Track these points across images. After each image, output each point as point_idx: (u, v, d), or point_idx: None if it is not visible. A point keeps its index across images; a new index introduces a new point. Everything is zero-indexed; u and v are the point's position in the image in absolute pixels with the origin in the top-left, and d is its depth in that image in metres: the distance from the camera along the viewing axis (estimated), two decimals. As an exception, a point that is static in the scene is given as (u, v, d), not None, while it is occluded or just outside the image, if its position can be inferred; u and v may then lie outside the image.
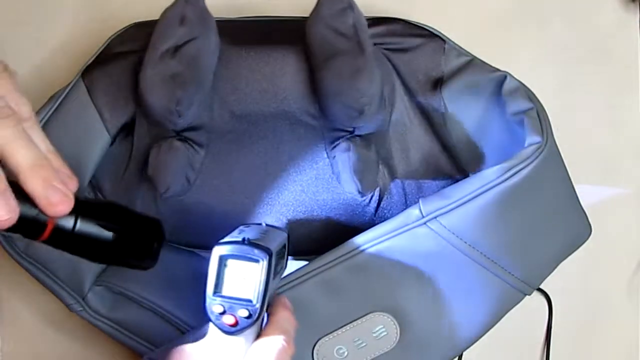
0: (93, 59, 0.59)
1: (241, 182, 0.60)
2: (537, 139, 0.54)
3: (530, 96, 0.57)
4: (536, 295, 0.67)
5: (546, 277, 0.58)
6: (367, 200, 0.60)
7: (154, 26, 0.58)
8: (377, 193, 0.60)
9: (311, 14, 0.56)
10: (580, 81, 0.67)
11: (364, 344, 0.57)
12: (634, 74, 0.67)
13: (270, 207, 0.60)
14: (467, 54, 0.60)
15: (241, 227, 0.52)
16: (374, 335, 0.57)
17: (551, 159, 0.55)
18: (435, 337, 0.57)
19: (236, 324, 0.46)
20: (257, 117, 0.59)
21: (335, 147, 0.59)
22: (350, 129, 0.58)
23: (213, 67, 0.57)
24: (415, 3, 0.66)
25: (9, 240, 0.57)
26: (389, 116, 0.60)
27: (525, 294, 0.57)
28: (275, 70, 0.58)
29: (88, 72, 0.58)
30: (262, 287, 0.47)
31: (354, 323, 0.56)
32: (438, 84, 0.60)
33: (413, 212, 0.55)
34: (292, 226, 0.60)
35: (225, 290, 0.47)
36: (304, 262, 0.57)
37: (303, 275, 0.56)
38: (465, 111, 0.60)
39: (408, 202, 0.61)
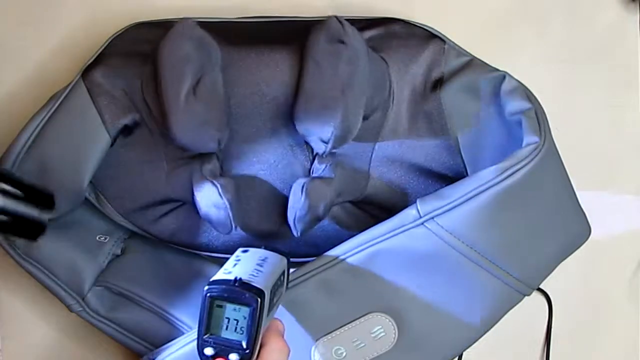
0: (93, 59, 0.59)
1: (241, 186, 0.60)
2: (535, 139, 0.54)
3: (529, 96, 0.57)
4: (536, 295, 0.67)
5: (545, 277, 0.58)
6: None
7: (158, 27, 0.59)
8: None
9: (311, 38, 0.56)
10: (580, 81, 0.67)
11: (363, 345, 0.57)
12: (634, 74, 0.67)
13: (269, 210, 0.60)
14: (467, 54, 0.60)
15: (238, 254, 0.51)
16: (373, 335, 0.57)
17: (549, 159, 0.55)
18: (434, 338, 0.57)
19: None
20: (256, 120, 0.58)
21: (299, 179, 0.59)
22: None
23: (223, 91, 0.57)
24: (415, 3, 0.66)
25: (9, 241, 0.58)
26: (383, 120, 0.60)
27: (525, 295, 0.57)
28: (275, 72, 0.57)
29: (88, 72, 0.58)
30: (253, 330, 0.46)
31: (353, 324, 0.56)
32: (438, 83, 0.60)
33: (410, 212, 0.55)
34: (290, 229, 0.60)
35: (217, 332, 0.47)
36: (303, 263, 0.57)
37: (301, 276, 0.56)
38: (464, 111, 0.60)
39: (407, 202, 0.61)
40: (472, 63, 0.60)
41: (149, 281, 0.61)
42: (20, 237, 0.55)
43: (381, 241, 0.55)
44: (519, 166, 0.53)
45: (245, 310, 0.47)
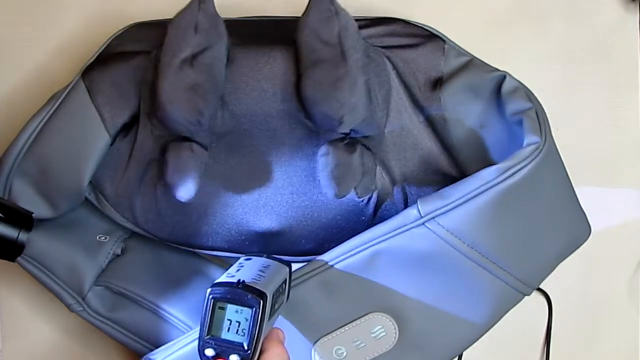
0: (93, 59, 0.59)
1: (241, 183, 0.60)
2: (536, 139, 0.54)
3: (530, 96, 0.57)
4: (536, 295, 0.67)
5: (545, 277, 0.58)
6: (365, 202, 0.60)
7: (158, 27, 0.59)
8: (375, 194, 0.60)
9: (300, 19, 0.56)
10: (580, 81, 0.67)
11: (363, 345, 0.57)
12: (634, 74, 0.67)
13: (269, 208, 0.60)
14: (467, 54, 0.60)
15: (241, 261, 0.52)
16: (373, 335, 0.57)
17: (550, 159, 0.55)
18: (434, 338, 0.57)
19: None
20: (257, 117, 0.59)
21: (317, 150, 0.59)
22: (342, 133, 0.58)
23: (224, 73, 0.57)
24: (415, 3, 0.66)
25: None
26: (385, 118, 0.60)
27: (525, 295, 0.57)
28: (275, 70, 0.57)
29: (88, 72, 0.58)
30: (255, 332, 0.47)
31: (353, 323, 0.57)
32: (438, 83, 0.60)
33: (411, 212, 0.55)
34: (291, 226, 0.60)
35: (218, 333, 0.47)
36: (303, 263, 0.57)
37: (302, 276, 0.56)
38: (464, 111, 0.60)
39: (408, 202, 0.61)
40: (472, 63, 0.60)
41: (149, 281, 0.61)
42: None
43: (382, 241, 0.55)
44: (519, 166, 0.53)
45: (247, 312, 0.47)
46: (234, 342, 0.47)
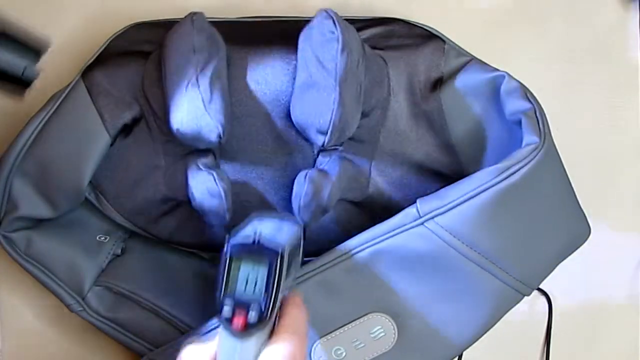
0: (93, 59, 0.59)
1: (242, 186, 0.60)
2: (535, 139, 0.54)
3: (529, 96, 0.57)
4: (536, 295, 0.67)
5: (545, 278, 0.58)
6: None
7: (158, 27, 0.59)
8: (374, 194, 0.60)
9: (303, 32, 0.56)
10: (580, 81, 0.67)
11: (362, 345, 0.57)
12: (634, 74, 0.67)
13: (268, 210, 0.60)
14: (467, 54, 0.60)
15: (255, 222, 0.51)
16: (372, 336, 0.57)
17: (549, 160, 0.55)
18: (433, 338, 0.57)
19: (245, 326, 0.46)
20: (258, 120, 0.58)
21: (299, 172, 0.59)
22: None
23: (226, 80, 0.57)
24: (415, 3, 0.66)
25: (9, 241, 0.58)
26: (383, 119, 0.60)
27: (524, 295, 0.57)
28: (275, 71, 0.57)
29: (88, 72, 0.58)
30: (272, 289, 0.46)
31: (352, 324, 0.56)
32: (438, 84, 0.60)
33: (410, 212, 0.55)
34: None
35: (235, 292, 0.47)
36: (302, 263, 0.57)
37: (301, 276, 0.56)
38: (464, 111, 0.60)
39: (407, 202, 0.61)
40: (472, 63, 0.60)
41: (149, 281, 0.61)
42: (6, 90, 0.52)
43: (381, 241, 0.55)
44: (518, 166, 0.53)
45: (264, 270, 0.46)
46: (251, 299, 0.46)
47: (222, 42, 0.57)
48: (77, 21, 0.65)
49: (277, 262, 0.47)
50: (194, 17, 0.56)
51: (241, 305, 0.46)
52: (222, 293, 0.47)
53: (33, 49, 0.51)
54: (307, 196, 0.56)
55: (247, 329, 0.46)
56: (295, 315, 0.49)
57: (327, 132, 0.55)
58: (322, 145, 0.56)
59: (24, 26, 0.52)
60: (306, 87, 0.55)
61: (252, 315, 0.46)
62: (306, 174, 0.57)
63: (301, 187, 0.57)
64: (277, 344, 0.46)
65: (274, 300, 0.46)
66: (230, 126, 0.57)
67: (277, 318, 0.48)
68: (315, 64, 0.55)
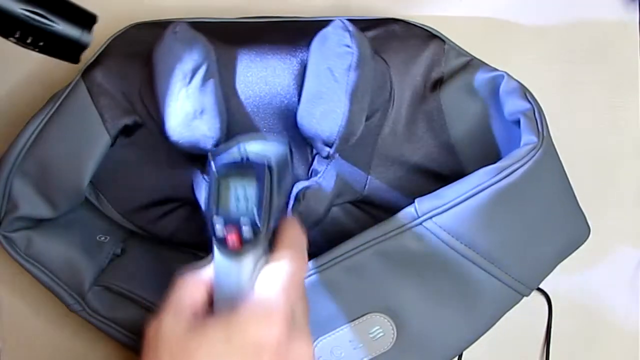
0: (93, 59, 0.59)
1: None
2: (533, 139, 0.54)
3: (528, 96, 0.57)
4: (536, 295, 0.67)
5: (544, 278, 0.58)
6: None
7: (158, 27, 0.59)
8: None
9: (315, 38, 0.56)
10: (580, 81, 0.67)
11: (361, 345, 0.57)
12: (634, 74, 0.67)
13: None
14: (467, 54, 0.60)
15: (240, 143, 0.50)
16: (371, 336, 0.57)
17: (547, 159, 0.55)
18: (433, 338, 0.57)
19: (240, 243, 0.45)
20: (255, 121, 0.58)
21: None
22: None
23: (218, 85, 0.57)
24: (415, 3, 0.66)
25: (9, 241, 0.58)
26: (383, 120, 0.60)
27: (523, 295, 0.57)
28: (274, 73, 0.57)
29: (88, 72, 0.58)
30: (264, 203, 0.46)
31: (351, 324, 0.56)
32: (438, 83, 0.60)
33: (409, 212, 0.55)
34: None
35: (227, 209, 0.46)
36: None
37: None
38: (464, 111, 0.60)
39: (405, 202, 0.61)
40: (471, 63, 0.60)
41: (149, 281, 0.61)
42: (61, 58, 0.53)
43: (379, 241, 0.55)
44: (516, 166, 0.53)
45: (253, 185, 0.46)
46: (244, 215, 0.45)
47: (210, 47, 0.56)
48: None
49: (266, 175, 0.46)
50: (175, 28, 0.55)
51: (234, 223, 0.45)
52: (214, 213, 0.46)
53: (88, 15, 0.52)
54: (303, 214, 0.57)
55: (242, 246, 0.45)
56: (292, 235, 0.48)
57: (332, 145, 0.55)
58: (326, 156, 0.56)
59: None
60: (316, 97, 0.55)
61: (246, 231, 0.45)
62: (300, 190, 0.57)
63: (298, 202, 0.57)
64: (276, 262, 0.46)
65: (266, 213, 0.46)
66: (226, 129, 0.56)
67: (273, 238, 0.47)
68: (327, 75, 0.54)
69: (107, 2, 0.65)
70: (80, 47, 0.51)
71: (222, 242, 0.45)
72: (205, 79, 0.55)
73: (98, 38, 0.60)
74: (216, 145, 0.55)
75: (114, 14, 0.63)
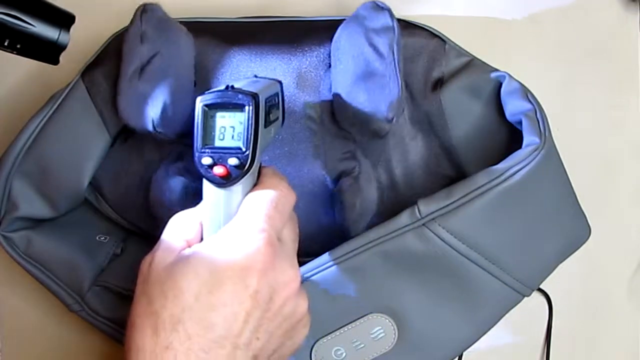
0: (93, 59, 0.59)
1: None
2: (535, 140, 0.54)
3: (530, 97, 0.57)
4: (536, 295, 0.67)
5: (545, 278, 0.58)
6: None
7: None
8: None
9: (348, 21, 0.56)
10: (580, 81, 0.67)
11: (362, 345, 0.57)
12: (634, 74, 0.67)
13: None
14: (467, 54, 0.60)
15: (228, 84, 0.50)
16: (372, 336, 0.57)
17: (549, 160, 0.55)
18: (434, 339, 0.57)
19: (228, 174, 0.46)
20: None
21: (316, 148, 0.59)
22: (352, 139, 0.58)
23: (191, 69, 0.57)
24: (415, 3, 0.66)
25: (9, 241, 0.58)
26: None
27: (524, 295, 0.57)
28: (270, 72, 0.57)
29: (88, 72, 0.58)
30: (251, 134, 0.46)
31: (352, 324, 0.56)
32: (438, 84, 0.60)
33: (411, 213, 0.55)
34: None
35: (213, 142, 0.46)
36: (302, 263, 0.57)
37: (301, 277, 0.56)
38: (465, 112, 0.60)
39: (408, 203, 0.61)
40: (472, 63, 0.60)
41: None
42: (40, 59, 0.53)
43: (381, 242, 0.55)
44: (518, 167, 0.53)
45: (240, 115, 0.46)
46: (230, 147, 0.46)
47: (177, 26, 0.57)
48: (77, 21, 0.65)
49: (252, 105, 0.46)
50: (145, 6, 0.56)
51: (221, 153, 0.46)
52: (201, 144, 0.46)
53: (66, 15, 0.52)
54: (352, 212, 0.57)
55: (230, 176, 0.46)
56: (274, 171, 0.50)
57: (392, 119, 0.55)
58: (383, 134, 0.56)
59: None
60: (361, 78, 0.55)
61: (232, 161, 0.46)
62: (335, 193, 0.57)
63: (339, 207, 0.57)
64: (259, 189, 0.47)
65: (253, 144, 0.46)
66: (174, 116, 0.56)
67: (260, 171, 0.48)
68: (370, 53, 0.55)
69: (107, 2, 0.65)
70: (59, 48, 0.51)
71: (210, 172, 0.46)
72: (166, 61, 0.55)
73: (98, 38, 0.61)
74: (153, 130, 0.55)
75: (114, 14, 0.63)
